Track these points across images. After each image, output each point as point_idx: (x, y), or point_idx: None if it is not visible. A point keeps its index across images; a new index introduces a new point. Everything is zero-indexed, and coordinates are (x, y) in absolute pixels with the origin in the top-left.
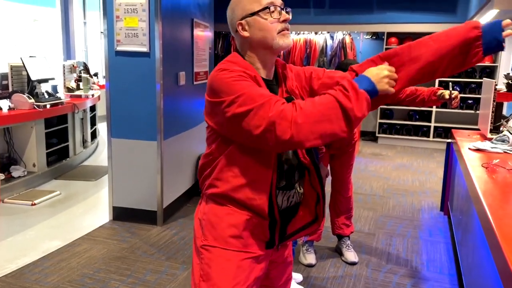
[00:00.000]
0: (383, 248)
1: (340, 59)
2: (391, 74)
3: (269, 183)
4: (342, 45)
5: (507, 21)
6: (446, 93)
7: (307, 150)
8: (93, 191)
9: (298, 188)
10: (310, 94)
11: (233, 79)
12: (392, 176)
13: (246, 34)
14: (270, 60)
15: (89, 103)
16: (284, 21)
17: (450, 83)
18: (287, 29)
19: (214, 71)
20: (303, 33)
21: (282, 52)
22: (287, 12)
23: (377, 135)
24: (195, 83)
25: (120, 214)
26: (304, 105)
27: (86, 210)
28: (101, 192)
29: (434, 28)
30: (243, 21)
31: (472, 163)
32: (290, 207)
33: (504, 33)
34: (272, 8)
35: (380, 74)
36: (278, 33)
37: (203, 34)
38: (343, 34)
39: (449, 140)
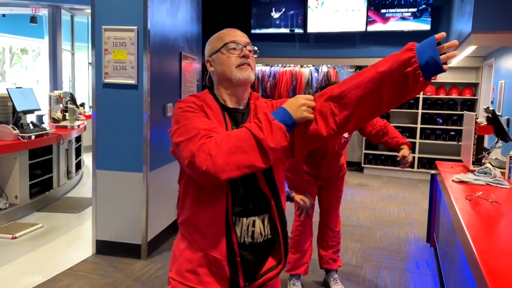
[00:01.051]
0: (370, 281)
1: None
2: (307, 102)
3: (224, 207)
4: (327, 77)
5: (441, 34)
6: (406, 153)
7: (267, 178)
8: (76, 224)
9: (263, 222)
10: None
11: (181, 110)
12: (378, 207)
13: (212, 69)
14: (236, 92)
15: (74, 134)
16: (244, 56)
17: (409, 152)
18: (247, 64)
19: None
20: (289, 66)
21: (268, 84)
22: (250, 51)
23: (362, 165)
24: None
25: (103, 247)
26: (221, 138)
27: (69, 244)
28: (84, 225)
29: None
30: (210, 58)
31: (456, 195)
32: (258, 245)
33: (443, 57)
34: (231, 45)
35: (296, 104)
36: (237, 67)
37: (191, 67)
38: (328, 67)
39: (433, 172)
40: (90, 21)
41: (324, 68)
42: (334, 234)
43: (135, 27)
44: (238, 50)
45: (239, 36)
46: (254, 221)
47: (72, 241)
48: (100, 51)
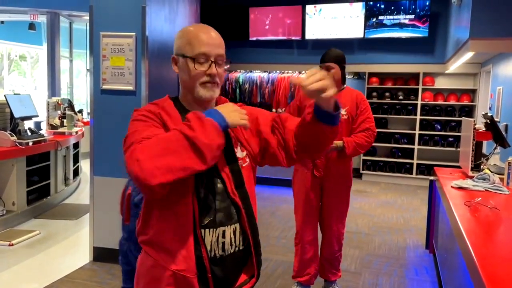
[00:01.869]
0: None
1: None
2: (239, 109)
3: (190, 219)
4: None
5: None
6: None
7: (237, 184)
8: (74, 231)
9: (234, 232)
10: (257, 135)
11: (132, 119)
12: (377, 213)
13: (176, 69)
14: (200, 104)
15: (72, 141)
16: (210, 74)
17: (337, 145)
18: (213, 82)
19: None
20: (288, 72)
21: (267, 90)
22: (220, 64)
23: (361, 171)
24: None
25: (101, 254)
26: (150, 141)
27: (66, 251)
28: (82, 232)
29: (413, 68)
30: (176, 56)
31: (455, 202)
32: (229, 257)
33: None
34: (201, 60)
35: (230, 108)
36: (201, 84)
37: None
38: None
39: (431, 178)
40: (88, 27)
41: None
42: (334, 251)
43: (133, 34)
44: (206, 65)
45: (212, 46)
46: (224, 231)
47: (69, 248)
48: (98, 57)
